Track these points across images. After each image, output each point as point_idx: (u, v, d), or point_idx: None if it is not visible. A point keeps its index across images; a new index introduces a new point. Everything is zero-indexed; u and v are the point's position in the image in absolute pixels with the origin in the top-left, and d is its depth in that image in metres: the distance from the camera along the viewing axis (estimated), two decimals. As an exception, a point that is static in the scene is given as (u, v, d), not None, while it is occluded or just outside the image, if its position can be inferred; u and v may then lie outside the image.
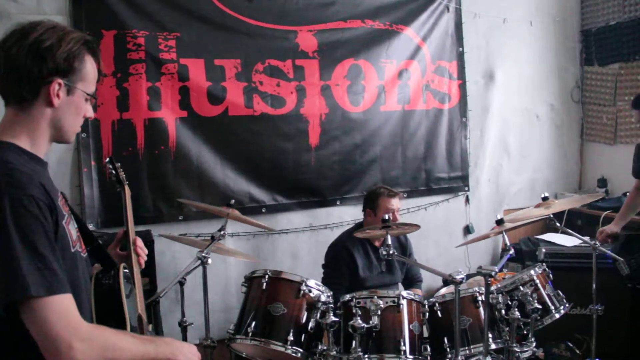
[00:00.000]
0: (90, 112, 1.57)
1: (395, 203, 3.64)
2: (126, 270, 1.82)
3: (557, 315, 3.03)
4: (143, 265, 1.98)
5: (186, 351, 1.58)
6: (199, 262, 2.92)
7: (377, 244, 3.67)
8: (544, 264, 3.26)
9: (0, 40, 1.43)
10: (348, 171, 4.55)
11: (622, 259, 3.35)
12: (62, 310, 1.31)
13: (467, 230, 5.07)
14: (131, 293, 1.79)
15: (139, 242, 2.00)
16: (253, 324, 2.77)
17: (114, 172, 2.20)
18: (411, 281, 3.85)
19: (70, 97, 1.48)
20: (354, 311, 2.66)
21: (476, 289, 2.94)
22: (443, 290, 3.54)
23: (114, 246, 2.01)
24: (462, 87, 4.94)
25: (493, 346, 2.81)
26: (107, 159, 2.26)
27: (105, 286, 1.70)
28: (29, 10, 3.62)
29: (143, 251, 2.00)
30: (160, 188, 4.00)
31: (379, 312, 2.68)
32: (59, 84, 1.44)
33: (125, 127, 3.89)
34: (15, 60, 1.39)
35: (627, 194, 4.00)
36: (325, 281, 3.56)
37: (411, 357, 2.72)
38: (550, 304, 3.03)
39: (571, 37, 5.40)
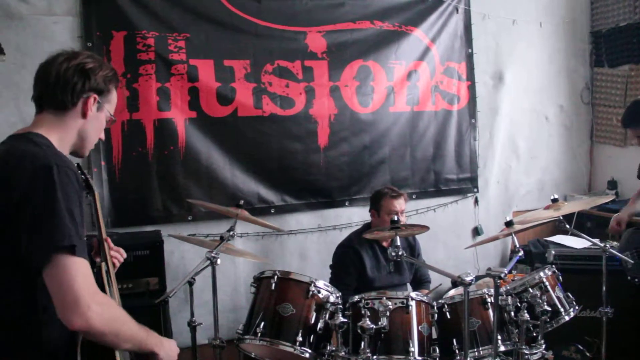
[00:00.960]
0: (103, 135, 1.85)
1: (399, 204, 3.62)
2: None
3: (567, 318, 3.01)
4: (117, 265, 2.07)
5: (167, 347, 1.73)
6: (208, 262, 2.92)
7: (385, 244, 3.66)
8: (553, 266, 3.25)
9: (50, 58, 1.71)
10: (357, 172, 4.55)
11: (624, 257, 3.34)
12: (86, 273, 1.48)
13: (476, 231, 5.06)
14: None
15: (112, 243, 2.09)
16: (262, 324, 2.77)
17: (83, 177, 2.22)
18: (419, 281, 3.85)
19: (98, 113, 1.76)
20: (362, 312, 2.65)
21: (485, 290, 2.94)
22: (452, 292, 3.52)
23: (95, 254, 2.07)
24: (471, 88, 4.93)
25: (502, 348, 2.80)
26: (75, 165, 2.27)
27: None
28: (41, 11, 3.65)
29: (120, 253, 2.10)
30: (169, 188, 4.02)
31: (388, 313, 2.68)
32: (94, 99, 1.72)
33: (135, 127, 3.91)
34: (65, 74, 1.67)
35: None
36: (333, 282, 3.56)
37: (420, 358, 2.71)
38: (559, 306, 3.02)
39: (581, 38, 5.37)
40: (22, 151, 1.55)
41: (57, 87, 1.67)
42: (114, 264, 2.04)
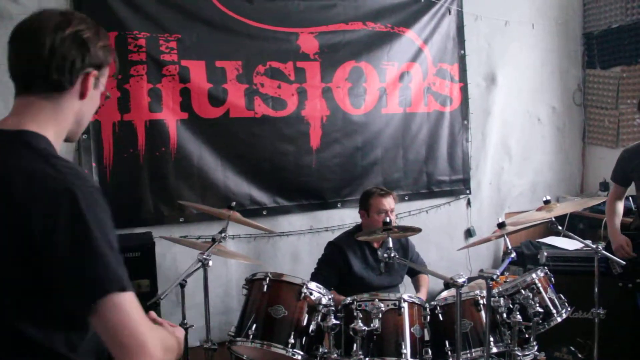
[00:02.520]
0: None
1: (388, 203, 3.59)
2: None
3: (559, 319, 3.02)
4: None
5: (180, 343, 1.55)
6: (200, 264, 2.91)
7: (376, 245, 3.64)
8: (545, 267, 3.26)
9: (33, 21, 1.38)
10: (349, 174, 4.54)
11: (615, 258, 3.35)
12: (137, 306, 1.28)
13: (469, 233, 5.06)
14: None
15: None
16: (254, 326, 2.75)
17: None
18: (418, 272, 3.83)
19: (95, 90, 1.45)
20: (355, 314, 2.65)
21: (477, 292, 2.93)
22: (444, 294, 3.53)
23: None
24: (464, 89, 4.94)
25: (494, 350, 2.80)
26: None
27: None
28: (31, 11, 3.48)
29: None
30: (161, 190, 3.99)
31: (380, 315, 2.68)
32: (94, 75, 1.42)
33: (126, 128, 3.88)
34: (61, 46, 1.34)
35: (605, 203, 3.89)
36: (314, 274, 3.57)
37: (412, 360, 2.71)
38: (552, 307, 3.03)
39: (573, 39, 5.39)
40: (26, 168, 1.27)
41: (53, 64, 1.34)
42: None
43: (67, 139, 1.48)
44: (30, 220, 1.22)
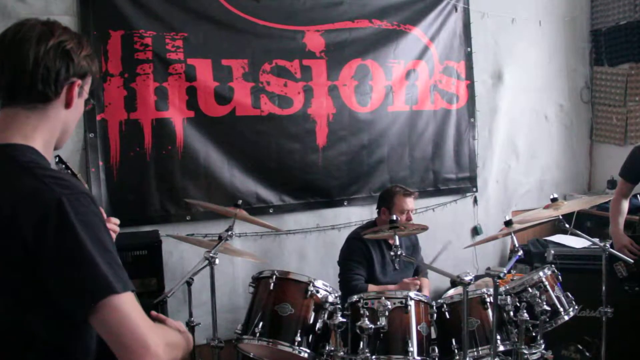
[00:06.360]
0: None
1: (410, 203, 3.65)
2: None
3: (566, 317, 3.01)
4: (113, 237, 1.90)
5: (189, 344, 1.55)
6: (207, 262, 2.92)
7: (391, 242, 3.65)
8: (552, 265, 3.25)
9: (16, 33, 1.37)
10: (355, 172, 4.53)
11: (623, 257, 3.34)
12: (137, 305, 1.28)
13: (475, 231, 5.04)
14: None
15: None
16: (260, 324, 2.76)
17: (64, 167, 2.10)
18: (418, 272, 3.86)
19: (79, 99, 1.46)
20: (361, 312, 2.65)
21: (484, 290, 2.93)
22: (451, 292, 3.53)
23: None
24: (470, 87, 4.92)
25: (501, 348, 2.79)
26: (56, 159, 2.13)
27: None
28: (38, 10, 3.63)
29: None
30: (167, 188, 4.00)
31: (387, 313, 2.68)
32: (78, 85, 1.43)
33: (133, 127, 3.89)
34: (45, 58, 1.35)
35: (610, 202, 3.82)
36: (345, 274, 3.58)
37: (419, 358, 2.71)
38: (559, 305, 3.02)
39: (581, 37, 5.37)
40: (12, 184, 1.28)
41: (37, 76, 1.34)
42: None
43: (54, 147, 1.48)
44: (22, 232, 1.23)
